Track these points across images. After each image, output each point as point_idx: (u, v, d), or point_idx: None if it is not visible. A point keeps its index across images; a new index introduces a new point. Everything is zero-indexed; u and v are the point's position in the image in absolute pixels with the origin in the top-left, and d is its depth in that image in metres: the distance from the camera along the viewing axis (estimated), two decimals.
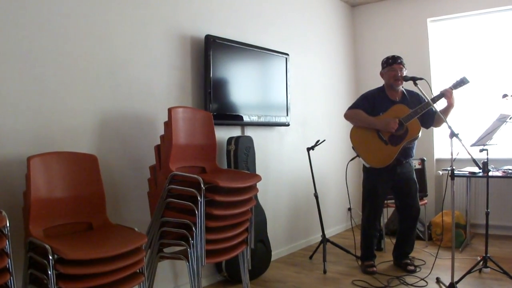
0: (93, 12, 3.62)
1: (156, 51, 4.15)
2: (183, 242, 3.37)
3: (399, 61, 4.69)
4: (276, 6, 5.70)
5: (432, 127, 5.00)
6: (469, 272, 4.40)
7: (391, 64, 4.70)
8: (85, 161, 3.27)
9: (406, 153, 4.76)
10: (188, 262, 3.35)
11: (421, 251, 5.53)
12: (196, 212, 3.27)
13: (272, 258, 5.14)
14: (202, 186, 3.28)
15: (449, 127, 3.99)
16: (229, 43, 4.74)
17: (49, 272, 2.50)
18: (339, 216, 6.81)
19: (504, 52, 6.42)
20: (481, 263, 4.59)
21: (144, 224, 3.64)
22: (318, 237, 5.43)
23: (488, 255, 4.57)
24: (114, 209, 3.66)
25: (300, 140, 5.92)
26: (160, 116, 3.96)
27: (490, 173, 5.11)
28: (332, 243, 5.41)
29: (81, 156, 3.27)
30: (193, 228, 3.30)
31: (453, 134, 3.92)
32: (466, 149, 3.82)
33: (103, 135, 3.68)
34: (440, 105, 4.57)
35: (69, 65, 3.45)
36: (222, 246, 3.53)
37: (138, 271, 2.93)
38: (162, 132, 3.75)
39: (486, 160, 4.58)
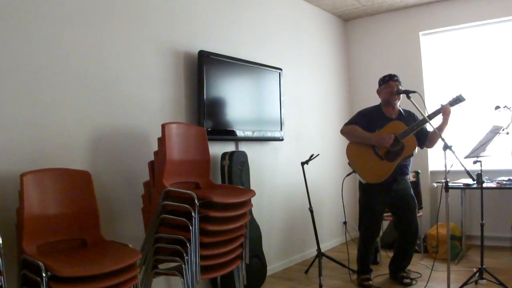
0: (86, 28, 3.64)
1: (150, 67, 4.16)
2: (178, 258, 3.35)
3: (395, 78, 4.75)
4: (269, 22, 5.74)
5: (426, 148, 5.03)
6: (465, 284, 4.40)
7: (388, 81, 4.75)
8: (78, 177, 3.26)
9: (402, 170, 4.76)
10: (183, 278, 3.33)
11: (417, 264, 5.51)
12: (190, 228, 3.26)
13: (268, 273, 5.11)
14: (196, 202, 3.28)
15: (443, 139, 4.02)
16: (222, 59, 4.75)
17: None
18: (334, 230, 6.80)
19: (496, 64, 6.47)
20: (477, 274, 4.59)
21: (139, 240, 3.62)
22: (313, 252, 5.43)
23: (483, 266, 4.57)
24: (108, 225, 3.64)
25: (294, 155, 5.92)
26: (154, 132, 3.96)
27: (484, 185, 5.11)
28: (328, 257, 5.39)
29: (74, 172, 3.26)
30: (188, 244, 3.28)
31: (446, 147, 3.94)
32: (460, 161, 3.84)
33: (96, 151, 3.67)
34: (434, 123, 4.59)
35: (63, 82, 3.45)
36: (217, 261, 3.52)
37: (132, 287, 2.91)
38: (156, 148, 3.75)
39: (480, 172, 4.60)
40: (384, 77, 4.82)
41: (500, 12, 6.31)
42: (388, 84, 4.74)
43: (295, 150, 6.01)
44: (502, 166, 6.11)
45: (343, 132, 4.89)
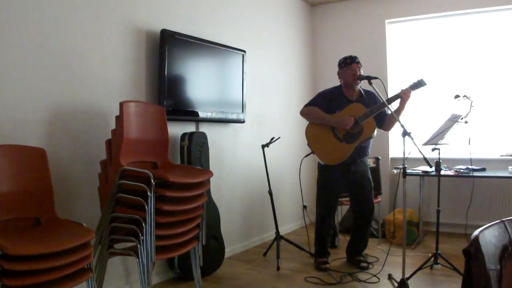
0: (46, 3, 3.54)
1: (110, 45, 4.09)
2: (133, 238, 3.33)
3: (357, 60, 4.76)
4: (235, 2, 5.69)
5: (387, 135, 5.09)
6: (419, 268, 4.49)
7: (350, 63, 4.75)
8: (33, 154, 3.20)
9: (361, 151, 4.81)
10: (138, 259, 3.32)
11: (374, 248, 5.60)
12: (146, 207, 3.24)
13: (226, 255, 5.13)
14: (152, 181, 3.25)
15: (402, 125, 4.04)
16: (185, 39, 4.70)
17: None
18: (294, 214, 6.84)
19: (457, 54, 6.59)
20: (431, 259, 4.68)
21: (95, 220, 3.57)
22: (272, 234, 5.44)
23: (438, 252, 4.66)
24: (64, 204, 3.59)
25: (255, 137, 5.92)
26: (113, 111, 3.90)
27: (442, 172, 5.19)
28: (286, 240, 5.42)
29: (28, 149, 3.20)
30: (143, 224, 3.26)
31: (405, 133, 3.96)
32: (418, 148, 3.87)
33: (53, 128, 3.60)
34: (394, 106, 4.65)
35: (19, 57, 3.36)
36: (173, 242, 3.50)
37: (86, 267, 2.88)
38: (114, 127, 3.70)
39: (438, 159, 4.66)
40: (346, 59, 4.81)
41: (464, 4, 6.41)
42: (351, 67, 4.73)
43: (256, 132, 6.01)
44: (460, 155, 6.22)
45: (302, 113, 4.91)
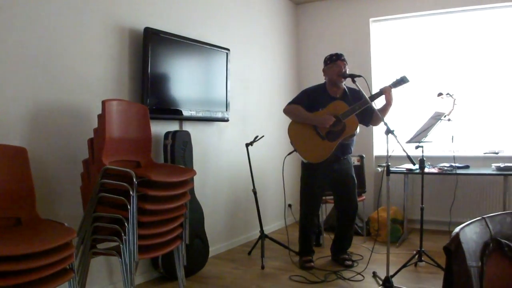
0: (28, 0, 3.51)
1: (93, 43, 4.05)
2: (116, 238, 3.31)
3: (342, 58, 4.79)
4: (219, 1, 5.67)
5: (372, 126, 5.10)
6: (404, 266, 4.51)
7: (335, 60, 4.77)
8: (13, 153, 3.15)
9: (344, 149, 4.81)
10: (121, 258, 3.29)
11: (359, 246, 5.61)
12: (129, 206, 3.22)
13: (211, 254, 5.11)
14: (134, 180, 3.23)
15: (385, 123, 4.05)
16: (169, 37, 4.67)
17: None
18: (279, 212, 6.82)
19: (440, 53, 6.63)
20: (416, 257, 4.70)
21: (77, 220, 3.53)
22: (257, 233, 5.43)
23: (422, 249, 4.69)
24: (46, 204, 3.55)
25: (240, 136, 5.91)
26: (95, 109, 3.84)
27: (426, 170, 5.21)
28: (271, 238, 5.41)
29: (9, 148, 3.16)
30: (126, 224, 3.24)
31: (388, 131, 3.97)
32: (401, 146, 3.88)
33: (34, 127, 3.56)
34: (378, 103, 4.66)
35: (0, 54, 3.33)
36: (155, 241, 3.48)
37: (68, 267, 2.85)
38: (97, 125, 3.66)
39: (422, 157, 4.68)
40: (331, 56, 4.83)
41: (447, 3, 6.46)
42: (336, 64, 4.75)
43: (240, 131, 5.99)
44: (444, 153, 6.26)
45: (285, 111, 4.92)
